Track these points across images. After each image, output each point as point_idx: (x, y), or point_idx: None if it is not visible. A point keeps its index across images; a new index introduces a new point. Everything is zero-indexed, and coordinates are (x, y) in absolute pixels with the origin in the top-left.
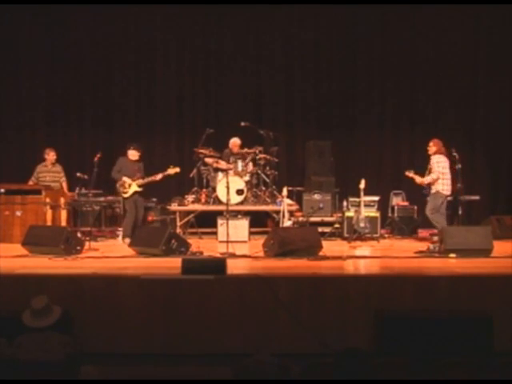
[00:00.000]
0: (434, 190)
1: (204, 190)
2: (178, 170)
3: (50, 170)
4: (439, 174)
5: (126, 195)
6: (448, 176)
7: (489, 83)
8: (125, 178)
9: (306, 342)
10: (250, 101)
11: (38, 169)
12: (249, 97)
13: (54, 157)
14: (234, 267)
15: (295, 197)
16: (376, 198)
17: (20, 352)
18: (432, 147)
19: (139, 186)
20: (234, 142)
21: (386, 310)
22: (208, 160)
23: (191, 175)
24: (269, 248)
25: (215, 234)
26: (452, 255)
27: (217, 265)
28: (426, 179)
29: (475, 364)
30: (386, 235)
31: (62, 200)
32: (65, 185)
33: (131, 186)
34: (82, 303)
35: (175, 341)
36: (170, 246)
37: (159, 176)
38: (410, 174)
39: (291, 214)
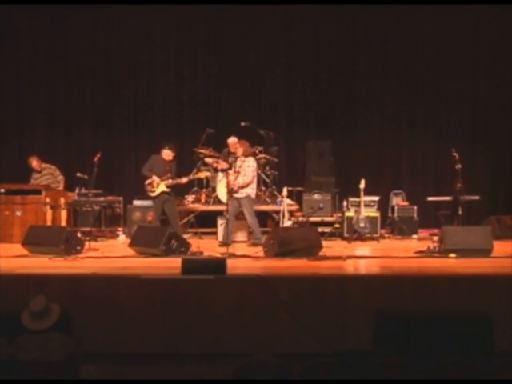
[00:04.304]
0: (244, 193)
1: (204, 189)
2: (208, 174)
3: (42, 175)
4: (253, 178)
5: (152, 194)
6: (256, 180)
7: (489, 83)
8: (154, 177)
9: (306, 342)
10: (250, 101)
11: (33, 175)
12: (249, 97)
13: (36, 163)
14: (234, 267)
15: (295, 197)
16: (376, 198)
17: (20, 352)
18: (239, 148)
19: (167, 187)
20: (231, 141)
21: (386, 309)
22: (208, 160)
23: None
24: (269, 248)
25: (215, 234)
26: (452, 255)
27: (217, 265)
28: (239, 182)
29: (475, 364)
30: (386, 235)
31: (62, 200)
32: (62, 183)
33: (159, 186)
34: (82, 303)
35: (175, 341)
36: (170, 245)
37: (184, 180)
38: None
39: (291, 214)
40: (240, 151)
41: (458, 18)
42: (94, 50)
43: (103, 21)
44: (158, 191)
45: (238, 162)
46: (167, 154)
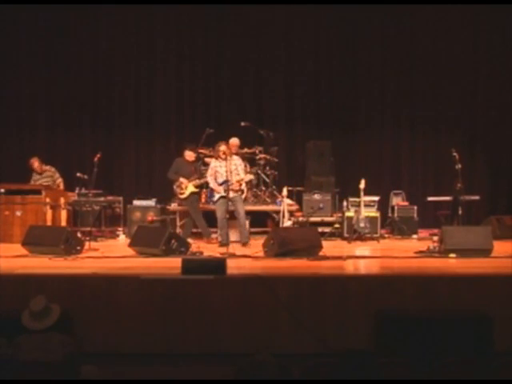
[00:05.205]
0: (239, 192)
1: (204, 190)
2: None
3: (42, 177)
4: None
5: (183, 196)
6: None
7: (489, 83)
8: (182, 179)
9: (306, 341)
10: (250, 101)
11: (33, 177)
12: (249, 97)
13: (37, 165)
14: (234, 267)
15: (295, 197)
16: (376, 198)
17: (20, 352)
18: (230, 148)
19: (196, 187)
20: (233, 142)
21: (386, 309)
22: (208, 160)
23: None
24: (269, 248)
25: (215, 234)
26: (452, 255)
27: (217, 265)
28: (244, 179)
29: (475, 364)
30: (386, 235)
31: (62, 200)
32: (61, 185)
33: (188, 187)
34: (82, 303)
35: (175, 341)
36: (170, 245)
37: None
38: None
39: (291, 214)
40: (234, 151)
41: (458, 18)
42: (93, 50)
43: (103, 21)
44: (187, 192)
45: (226, 162)
46: (189, 154)
